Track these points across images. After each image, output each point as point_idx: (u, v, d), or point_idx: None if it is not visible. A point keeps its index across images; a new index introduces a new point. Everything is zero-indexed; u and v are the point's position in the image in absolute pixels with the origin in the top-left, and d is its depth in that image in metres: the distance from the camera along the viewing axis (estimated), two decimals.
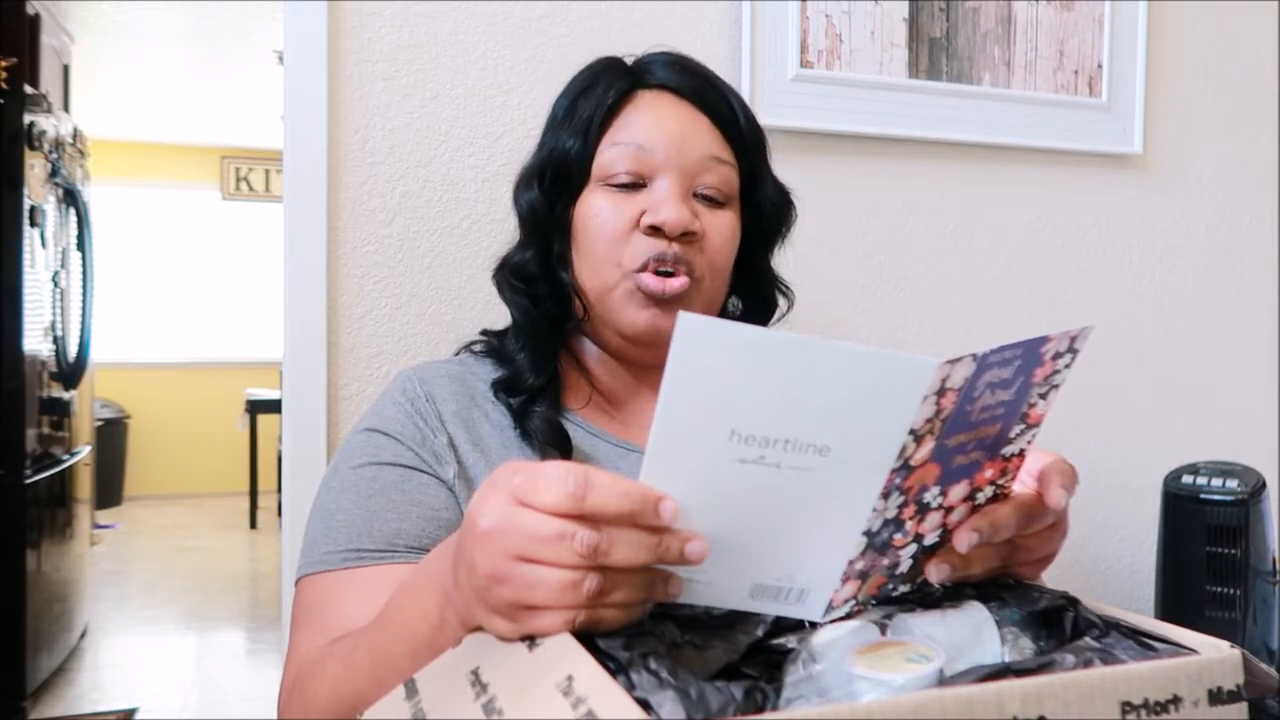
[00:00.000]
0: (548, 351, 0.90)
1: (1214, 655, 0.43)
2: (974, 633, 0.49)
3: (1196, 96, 1.65)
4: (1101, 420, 1.60)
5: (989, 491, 0.56)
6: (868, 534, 0.51)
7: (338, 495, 0.82)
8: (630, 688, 0.41)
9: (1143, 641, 0.47)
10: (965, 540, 0.54)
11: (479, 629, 0.53)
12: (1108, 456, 1.61)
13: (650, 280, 0.83)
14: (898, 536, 0.53)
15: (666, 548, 0.48)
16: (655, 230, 0.84)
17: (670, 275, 0.84)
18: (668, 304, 0.84)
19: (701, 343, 0.45)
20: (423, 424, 0.85)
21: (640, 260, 0.84)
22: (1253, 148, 1.70)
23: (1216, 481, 1.36)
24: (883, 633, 0.49)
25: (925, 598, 0.57)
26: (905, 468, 0.49)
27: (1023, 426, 0.55)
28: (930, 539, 0.55)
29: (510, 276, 0.91)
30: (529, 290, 0.90)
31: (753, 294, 0.97)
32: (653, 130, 0.85)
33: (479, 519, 0.50)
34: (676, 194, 0.84)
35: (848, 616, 0.53)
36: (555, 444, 0.84)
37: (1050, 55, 1.53)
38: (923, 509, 0.53)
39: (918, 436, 0.48)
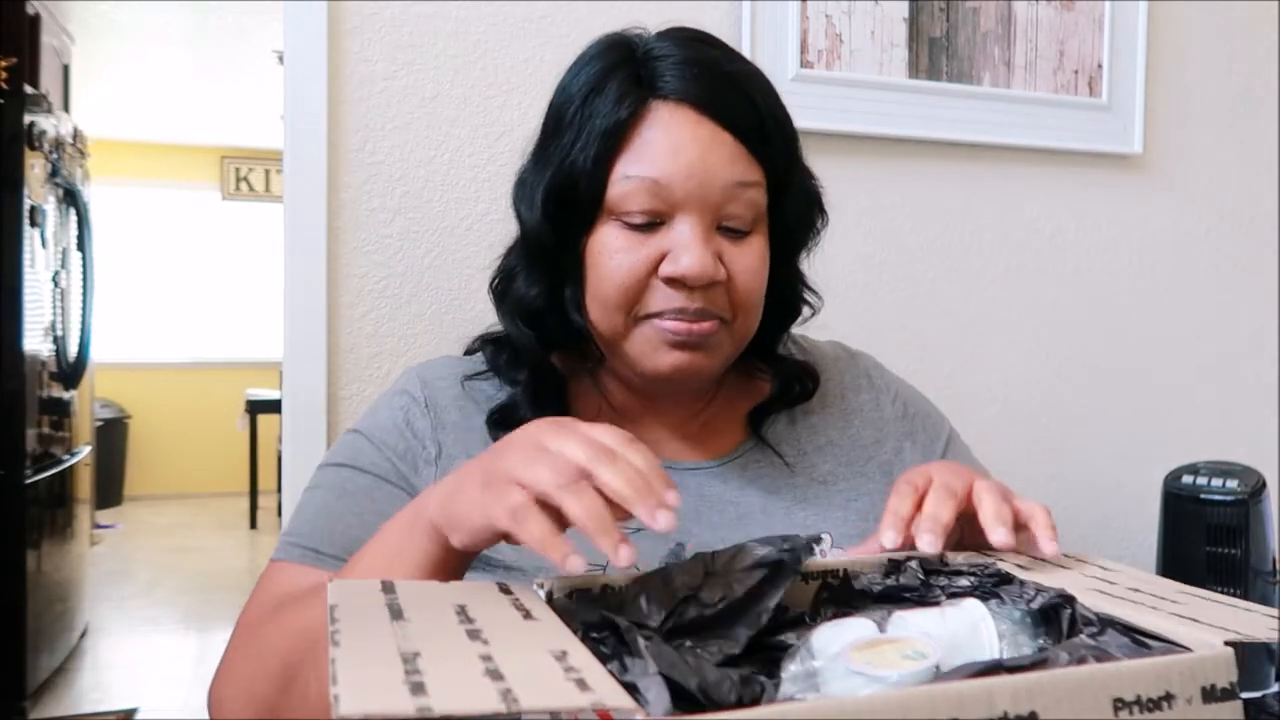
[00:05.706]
0: (552, 391, 0.83)
1: (1206, 653, 0.43)
2: (971, 630, 0.49)
3: (1196, 96, 1.65)
4: (1102, 420, 1.60)
5: None
6: None
7: (313, 489, 0.83)
8: (622, 672, 0.41)
9: (1138, 640, 0.47)
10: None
11: (444, 539, 0.58)
12: (1108, 456, 1.61)
13: (675, 324, 0.76)
14: None
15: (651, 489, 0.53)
16: (676, 280, 0.75)
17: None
18: (694, 346, 0.77)
19: None
20: (411, 436, 0.83)
21: (659, 310, 0.77)
22: (1253, 148, 1.70)
23: (1216, 481, 1.36)
24: (881, 629, 0.49)
25: (924, 596, 0.57)
26: None
27: None
28: None
29: (518, 318, 0.83)
30: (536, 324, 0.82)
31: (776, 300, 0.85)
32: (669, 161, 0.75)
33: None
34: (699, 237, 0.75)
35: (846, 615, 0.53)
36: None
37: (1050, 55, 1.53)
38: None
39: None
